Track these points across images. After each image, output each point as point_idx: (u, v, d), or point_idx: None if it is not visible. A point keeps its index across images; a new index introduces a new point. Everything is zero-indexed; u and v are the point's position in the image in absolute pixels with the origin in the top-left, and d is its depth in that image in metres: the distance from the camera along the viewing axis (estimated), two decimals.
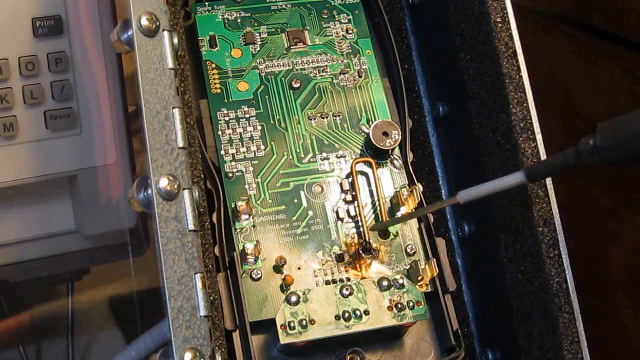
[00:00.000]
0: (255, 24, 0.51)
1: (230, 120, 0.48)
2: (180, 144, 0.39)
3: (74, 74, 0.52)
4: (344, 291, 0.43)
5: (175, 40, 0.41)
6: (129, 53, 0.40)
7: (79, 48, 0.52)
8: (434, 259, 0.46)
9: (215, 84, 0.49)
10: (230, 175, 0.47)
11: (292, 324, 0.42)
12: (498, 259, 0.46)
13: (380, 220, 0.47)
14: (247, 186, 0.47)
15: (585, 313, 0.43)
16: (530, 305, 0.44)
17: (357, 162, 0.47)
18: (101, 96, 0.53)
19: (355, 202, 0.47)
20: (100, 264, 0.58)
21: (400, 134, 0.47)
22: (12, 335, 0.62)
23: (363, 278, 0.45)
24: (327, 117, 0.49)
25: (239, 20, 0.50)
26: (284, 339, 0.42)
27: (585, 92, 0.76)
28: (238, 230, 0.45)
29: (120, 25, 0.40)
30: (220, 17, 0.50)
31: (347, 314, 0.43)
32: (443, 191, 0.51)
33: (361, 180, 0.48)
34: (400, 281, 0.44)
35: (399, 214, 0.47)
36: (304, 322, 0.42)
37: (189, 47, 0.48)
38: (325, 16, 0.51)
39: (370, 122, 0.49)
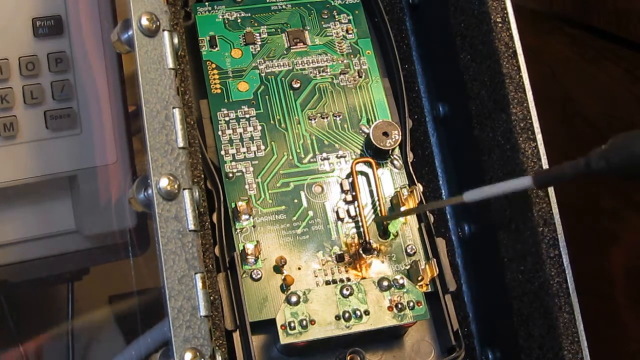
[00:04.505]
0: (256, 24, 0.51)
1: (231, 121, 0.48)
2: (181, 144, 0.39)
3: (74, 74, 0.52)
4: (344, 291, 0.43)
5: (176, 40, 0.41)
6: (129, 53, 0.40)
7: (79, 48, 0.52)
8: (434, 259, 0.45)
9: (215, 84, 0.49)
10: (231, 175, 0.47)
11: (292, 324, 0.42)
12: (498, 259, 0.46)
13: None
14: (247, 186, 0.47)
15: (585, 313, 0.43)
16: (530, 305, 0.44)
17: (357, 162, 0.47)
18: (101, 96, 0.53)
19: (356, 202, 0.47)
20: (100, 264, 0.58)
21: (400, 134, 0.47)
22: None
23: (363, 278, 0.45)
24: (327, 117, 0.49)
25: (239, 21, 0.50)
26: (284, 339, 0.42)
27: (585, 92, 0.76)
28: (238, 231, 0.45)
29: (120, 25, 0.40)
30: (221, 17, 0.50)
31: (347, 314, 0.43)
32: (443, 191, 0.51)
33: (361, 181, 0.47)
34: (401, 281, 0.44)
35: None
36: (304, 322, 0.42)
37: (189, 47, 0.48)
38: (326, 16, 0.51)
39: (371, 122, 0.49)
